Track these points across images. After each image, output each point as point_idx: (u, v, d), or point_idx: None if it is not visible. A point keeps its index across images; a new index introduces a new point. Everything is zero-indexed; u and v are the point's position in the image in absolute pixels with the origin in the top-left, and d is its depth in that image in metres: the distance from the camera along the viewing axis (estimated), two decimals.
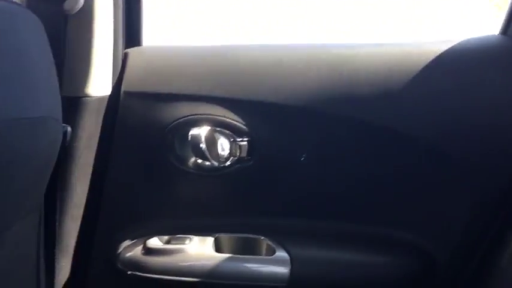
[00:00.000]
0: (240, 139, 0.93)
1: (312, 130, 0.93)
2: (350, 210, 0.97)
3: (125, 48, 0.99)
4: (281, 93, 0.92)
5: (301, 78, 0.93)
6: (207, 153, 0.90)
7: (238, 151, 0.93)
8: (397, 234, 0.95)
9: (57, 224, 0.89)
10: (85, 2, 0.84)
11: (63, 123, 0.75)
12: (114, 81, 0.95)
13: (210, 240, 0.95)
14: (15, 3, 0.67)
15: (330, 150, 0.94)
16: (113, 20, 0.92)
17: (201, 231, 0.97)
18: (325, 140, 0.93)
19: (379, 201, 0.95)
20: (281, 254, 0.93)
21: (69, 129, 0.83)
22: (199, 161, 0.94)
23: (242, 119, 0.93)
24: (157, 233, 0.97)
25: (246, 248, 0.96)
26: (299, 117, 0.92)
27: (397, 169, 0.93)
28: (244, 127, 0.93)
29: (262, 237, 0.96)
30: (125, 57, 0.98)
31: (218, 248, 0.96)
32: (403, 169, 0.93)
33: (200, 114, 0.93)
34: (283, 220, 0.97)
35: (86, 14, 0.86)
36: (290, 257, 0.92)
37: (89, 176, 0.94)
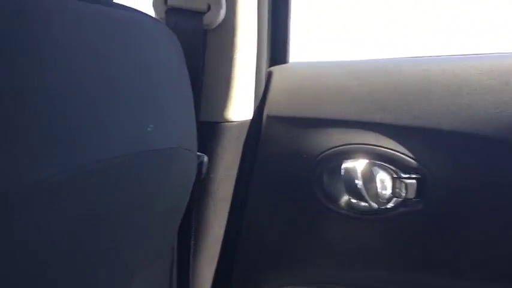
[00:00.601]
0: (407, 175, 0.77)
1: (504, 168, 0.73)
2: None
3: (269, 66, 0.91)
4: (462, 118, 0.75)
5: (491, 98, 0.73)
6: (363, 191, 0.78)
7: (403, 191, 0.77)
8: None
9: (191, 265, 0.83)
10: (226, 15, 0.77)
11: (199, 151, 0.69)
12: (257, 104, 0.87)
13: None
14: (151, 16, 0.62)
15: None
16: (256, 34, 0.84)
17: (352, 285, 0.84)
18: None
19: None
20: None
21: (205, 159, 0.75)
22: (353, 200, 0.81)
23: (409, 150, 0.77)
24: (300, 283, 0.86)
25: None
26: (486, 151, 0.74)
27: None
28: (411, 161, 0.77)
29: None
30: (269, 76, 0.89)
31: None
32: None
33: (356, 144, 0.80)
34: (460, 282, 0.78)
35: (227, 29, 0.79)
36: None
37: (227, 212, 0.87)
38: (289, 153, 0.84)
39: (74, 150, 0.42)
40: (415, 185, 0.76)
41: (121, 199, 0.50)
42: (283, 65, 0.92)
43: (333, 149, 0.81)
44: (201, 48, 0.77)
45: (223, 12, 0.76)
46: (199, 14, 0.75)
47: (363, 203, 0.79)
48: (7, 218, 0.36)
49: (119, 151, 0.48)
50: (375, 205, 0.78)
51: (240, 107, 0.83)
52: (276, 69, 0.90)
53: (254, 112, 0.87)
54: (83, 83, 0.44)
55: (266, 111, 0.86)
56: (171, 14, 0.75)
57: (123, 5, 0.55)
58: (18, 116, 0.37)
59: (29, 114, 0.38)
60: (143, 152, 0.52)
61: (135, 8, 0.57)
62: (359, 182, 0.78)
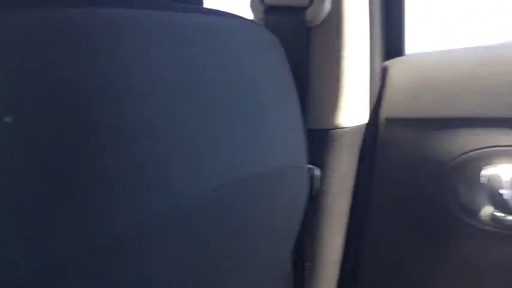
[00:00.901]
0: None
1: None
2: None
3: (384, 61, 0.83)
4: None
5: None
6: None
7: None
8: None
9: None
10: (332, 7, 0.70)
11: (309, 164, 0.65)
12: (372, 106, 0.81)
13: None
14: (249, 20, 0.58)
15: None
16: (368, 26, 0.77)
17: None
18: None
19: None
20: None
21: (316, 172, 0.71)
22: (499, 214, 0.72)
23: None
24: None
25: None
26: None
27: None
28: None
29: None
30: (384, 72, 0.82)
31: None
32: None
33: (499, 146, 0.72)
34: None
35: (334, 23, 0.72)
36: None
37: (344, 229, 0.81)
38: (414, 160, 0.77)
39: (171, 187, 0.40)
40: None
41: (229, 228, 0.48)
42: (400, 58, 0.85)
43: (469, 154, 0.73)
44: (306, 47, 0.71)
45: (327, 4, 0.70)
46: (300, 10, 0.69)
47: (511, 217, 0.70)
48: (136, 250, 0.37)
49: (222, 180, 0.45)
50: None
51: (352, 111, 0.77)
52: (392, 64, 0.83)
53: (370, 115, 0.80)
54: (179, 106, 0.40)
55: (383, 113, 0.80)
56: (269, 14, 0.70)
57: (218, 10, 0.52)
58: (125, 149, 0.36)
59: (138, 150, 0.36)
60: (248, 177, 0.48)
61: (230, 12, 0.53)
62: (506, 192, 0.69)
